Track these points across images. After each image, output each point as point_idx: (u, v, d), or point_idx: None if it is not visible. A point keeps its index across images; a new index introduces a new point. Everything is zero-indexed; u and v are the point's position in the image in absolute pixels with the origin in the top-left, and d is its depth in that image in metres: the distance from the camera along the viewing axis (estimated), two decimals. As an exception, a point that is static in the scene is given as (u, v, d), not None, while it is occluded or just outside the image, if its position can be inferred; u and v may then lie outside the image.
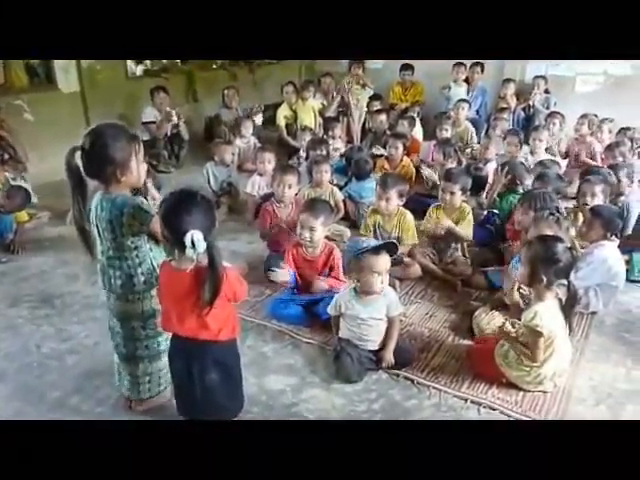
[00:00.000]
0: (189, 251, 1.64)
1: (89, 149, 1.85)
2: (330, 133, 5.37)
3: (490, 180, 4.25)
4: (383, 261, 2.37)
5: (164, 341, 2.13)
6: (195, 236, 1.62)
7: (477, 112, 6.68)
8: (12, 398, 2.38)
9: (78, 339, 2.82)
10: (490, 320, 2.78)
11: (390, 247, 2.44)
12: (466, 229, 3.36)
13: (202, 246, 1.63)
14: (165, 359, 2.17)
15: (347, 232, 3.94)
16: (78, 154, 1.86)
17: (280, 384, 2.47)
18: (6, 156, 4.47)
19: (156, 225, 1.89)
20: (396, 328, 2.52)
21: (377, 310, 2.46)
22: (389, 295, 2.48)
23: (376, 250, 2.38)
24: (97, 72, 5.61)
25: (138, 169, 1.97)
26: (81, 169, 1.87)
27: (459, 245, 3.46)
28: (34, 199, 4.49)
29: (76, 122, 5.55)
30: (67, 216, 2.02)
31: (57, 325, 2.94)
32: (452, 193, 3.33)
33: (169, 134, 5.84)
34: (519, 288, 2.66)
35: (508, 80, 6.53)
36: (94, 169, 1.89)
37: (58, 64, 5.31)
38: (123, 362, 2.19)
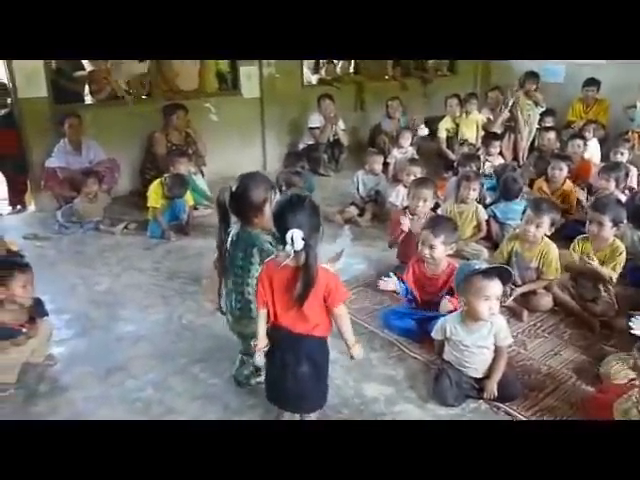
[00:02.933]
0: (288, 247, 1.82)
1: (235, 191, 2.22)
2: (489, 150, 5.19)
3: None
4: (494, 286, 2.27)
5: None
6: (294, 234, 1.80)
7: (673, 136, 5.84)
8: (150, 357, 2.80)
9: (213, 317, 3.16)
10: (622, 369, 2.48)
11: (504, 272, 2.33)
12: (613, 271, 3.01)
13: (299, 244, 1.80)
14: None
15: (484, 252, 3.79)
16: (227, 193, 2.23)
17: (376, 392, 2.51)
18: (190, 151, 5.16)
19: None
20: (503, 359, 2.40)
21: (482, 338, 2.36)
22: (498, 323, 2.36)
23: (487, 273, 2.29)
24: (276, 80, 6.14)
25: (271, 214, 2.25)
26: (227, 205, 2.25)
27: (603, 284, 3.11)
28: (206, 190, 5.14)
29: (253, 125, 6.20)
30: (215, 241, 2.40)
31: (199, 302, 3.35)
32: (600, 224, 3.01)
33: (331, 140, 6.16)
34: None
35: None
36: (236, 208, 2.26)
37: (243, 72, 5.94)
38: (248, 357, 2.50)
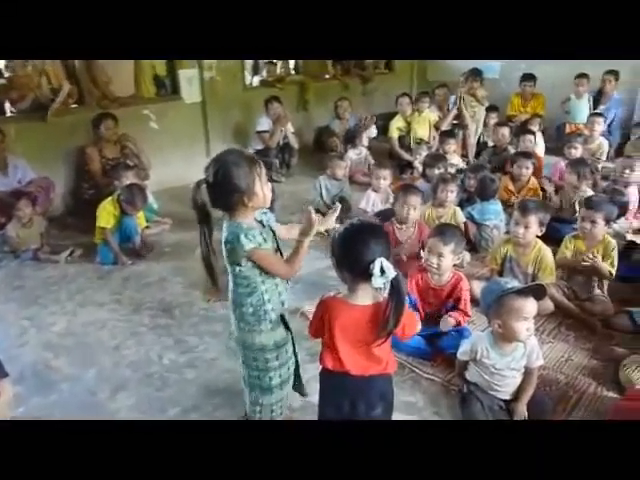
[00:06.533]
0: (378, 280, 1.58)
1: (213, 180, 1.81)
2: (446, 148, 5.14)
3: (632, 206, 3.83)
4: (531, 305, 2.13)
5: (277, 377, 2.06)
6: (384, 263, 1.58)
7: (609, 126, 6.11)
8: (134, 409, 2.42)
9: (196, 352, 2.84)
10: (644, 373, 2.44)
11: (538, 290, 2.19)
12: (610, 267, 3.00)
13: (392, 273, 1.58)
14: (277, 394, 2.09)
15: (467, 256, 3.69)
16: (203, 188, 1.83)
17: (402, 424, 2.31)
18: (131, 164, 4.68)
19: (259, 259, 1.84)
20: (533, 380, 2.27)
21: (515, 360, 2.22)
22: (530, 344, 2.23)
23: (523, 293, 2.15)
24: (217, 83, 5.76)
25: (263, 191, 1.90)
26: (206, 202, 1.85)
27: (598, 280, 3.11)
28: (154, 204, 4.71)
29: (196, 131, 5.80)
30: (195, 251, 2.01)
31: (176, 336, 2.98)
32: (594, 222, 2.99)
33: (281, 143, 5.89)
34: None
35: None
36: (220, 199, 1.85)
37: (183, 76, 5.52)
38: (243, 382, 2.16)
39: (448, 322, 2.69)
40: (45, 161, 4.62)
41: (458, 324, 2.68)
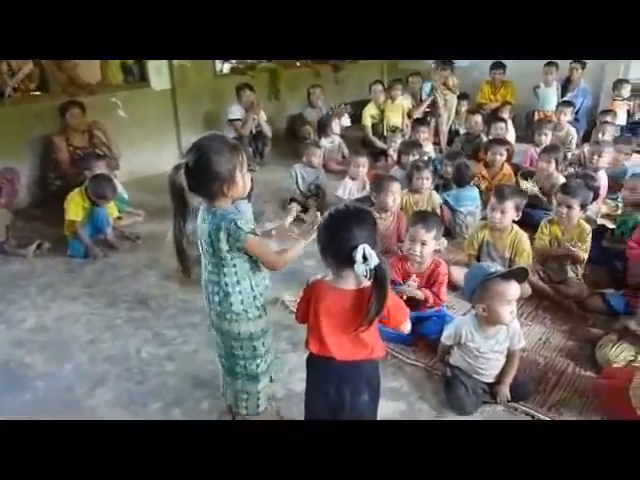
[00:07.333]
0: (360, 267, 1.55)
1: (194, 166, 1.77)
2: (419, 135, 5.15)
3: (601, 192, 3.91)
4: (514, 289, 2.16)
5: (263, 363, 2.05)
6: (367, 250, 1.54)
7: (576, 114, 6.23)
8: (115, 405, 2.36)
9: (175, 345, 2.78)
10: (620, 352, 2.50)
11: (520, 273, 2.22)
12: (583, 252, 3.07)
13: (375, 260, 1.54)
14: (264, 381, 2.09)
15: (444, 242, 3.73)
16: (182, 171, 1.79)
17: (389, 410, 2.30)
18: (100, 153, 4.54)
19: (253, 245, 1.83)
20: (516, 362, 2.31)
21: (499, 343, 2.25)
22: (513, 326, 2.27)
23: (506, 276, 2.17)
24: (187, 70, 5.63)
25: (243, 180, 1.87)
26: (185, 187, 1.81)
27: (572, 264, 3.17)
28: (125, 195, 4.59)
29: (165, 119, 5.66)
30: (167, 236, 1.95)
31: (154, 329, 2.92)
32: (570, 207, 3.05)
33: (254, 132, 5.81)
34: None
35: (621, 81, 6.03)
36: (199, 186, 1.82)
37: (152, 63, 5.37)
38: (225, 374, 2.14)
39: (416, 292, 2.72)
40: (9, 151, 4.43)
41: (425, 301, 2.70)
